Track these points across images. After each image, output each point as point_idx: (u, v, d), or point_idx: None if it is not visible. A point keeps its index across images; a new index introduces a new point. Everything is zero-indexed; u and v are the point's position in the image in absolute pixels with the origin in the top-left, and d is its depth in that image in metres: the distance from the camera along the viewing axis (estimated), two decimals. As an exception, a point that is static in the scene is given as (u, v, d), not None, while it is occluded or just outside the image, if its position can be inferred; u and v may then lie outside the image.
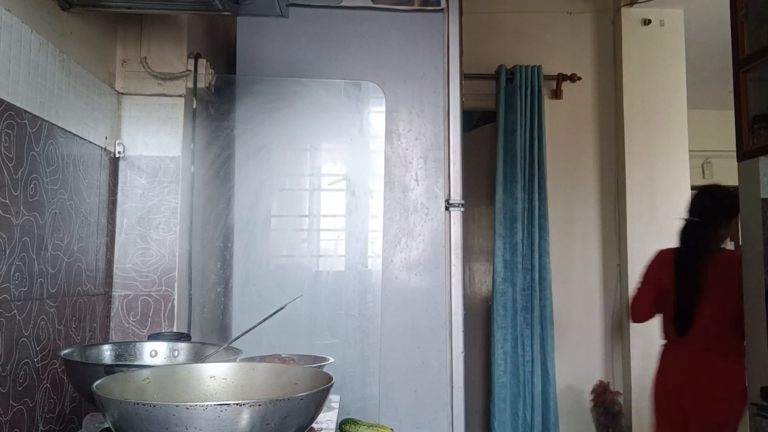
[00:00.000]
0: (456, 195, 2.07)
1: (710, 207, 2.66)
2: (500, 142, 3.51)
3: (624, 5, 3.71)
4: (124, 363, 1.29)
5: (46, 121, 1.32)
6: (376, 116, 2.05)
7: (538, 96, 3.55)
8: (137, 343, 1.36)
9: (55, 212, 1.37)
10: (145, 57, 1.77)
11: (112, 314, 1.70)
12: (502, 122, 3.52)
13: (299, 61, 2.06)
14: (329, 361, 1.58)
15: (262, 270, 1.95)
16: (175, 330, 1.72)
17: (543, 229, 3.46)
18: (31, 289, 1.26)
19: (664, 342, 2.71)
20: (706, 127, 5.40)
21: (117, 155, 1.73)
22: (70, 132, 1.43)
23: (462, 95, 2.11)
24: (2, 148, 1.15)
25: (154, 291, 1.73)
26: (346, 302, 1.97)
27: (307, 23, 2.08)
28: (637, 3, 3.67)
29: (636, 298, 2.76)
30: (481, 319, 3.61)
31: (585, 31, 3.84)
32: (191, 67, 1.82)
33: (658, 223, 3.61)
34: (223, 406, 0.74)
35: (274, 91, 2.01)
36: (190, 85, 1.82)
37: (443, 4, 2.12)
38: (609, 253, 3.72)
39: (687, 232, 2.71)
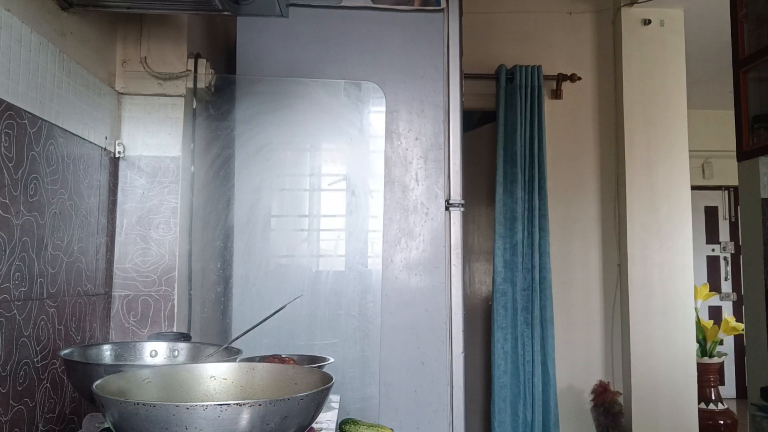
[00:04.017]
0: (456, 195, 2.07)
1: None
2: (500, 142, 3.51)
3: (624, 5, 3.71)
4: (124, 363, 1.29)
5: (46, 121, 1.32)
6: (376, 116, 2.05)
7: (538, 96, 3.55)
8: (137, 343, 1.36)
9: (55, 212, 1.37)
10: (145, 57, 1.77)
11: (112, 314, 1.70)
12: (502, 122, 3.53)
13: (299, 61, 2.06)
14: (329, 361, 1.58)
15: (262, 270, 1.95)
16: (175, 330, 1.72)
17: (543, 229, 3.47)
18: (31, 289, 1.26)
19: None
20: (706, 127, 5.40)
21: (117, 155, 1.73)
22: (70, 132, 1.43)
23: (462, 95, 2.11)
24: (2, 148, 1.15)
25: (154, 291, 1.73)
26: (346, 302, 1.96)
27: (307, 23, 2.08)
28: (637, 3, 3.67)
29: None
30: (481, 319, 3.61)
31: (585, 31, 3.84)
32: (191, 67, 1.82)
33: (658, 223, 3.61)
34: (223, 406, 0.74)
35: (274, 91, 2.01)
36: (190, 85, 1.82)
37: (443, 4, 2.11)
38: (609, 253, 3.72)
39: None
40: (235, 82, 2.02)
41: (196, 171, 1.86)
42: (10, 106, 1.18)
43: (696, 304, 3.98)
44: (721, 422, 4.27)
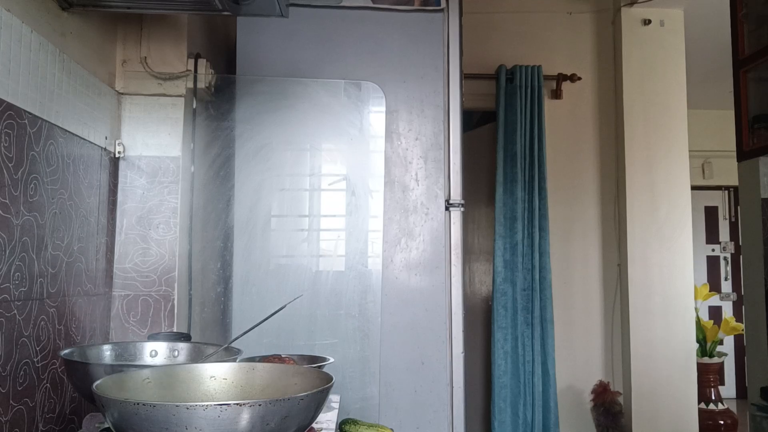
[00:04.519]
0: (456, 195, 2.07)
1: None
2: (500, 142, 3.51)
3: (624, 5, 3.71)
4: (124, 363, 1.29)
5: (46, 121, 1.32)
6: (376, 116, 2.05)
7: (538, 96, 3.55)
8: (137, 343, 1.36)
9: (55, 212, 1.37)
10: (145, 57, 1.77)
11: (112, 314, 1.70)
12: (502, 122, 3.53)
13: (299, 61, 2.06)
14: (329, 361, 1.58)
15: (262, 270, 1.95)
16: (175, 330, 1.72)
17: (543, 229, 3.47)
18: (31, 289, 1.26)
19: None
20: (706, 127, 5.40)
21: (117, 155, 1.73)
22: (70, 132, 1.43)
23: (462, 95, 2.11)
24: (2, 148, 1.15)
25: (154, 291, 1.73)
26: (346, 302, 1.96)
27: (307, 23, 2.08)
28: (637, 3, 3.67)
29: None
30: (481, 319, 3.61)
31: (585, 31, 3.84)
32: (191, 67, 1.82)
33: (658, 223, 3.61)
34: (223, 406, 0.74)
35: (274, 91, 2.01)
36: (190, 85, 1.82)
37: (443, 4, 2.11)
38: (609, 253, 3.72)
39: None
40: (235, 82, 2.02)
41: (196, 171, 1.86)
42: (10, 106, 1.18)
43: (696, 304, 3.98)
44: (721, 422, 4.27)
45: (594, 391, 3.56)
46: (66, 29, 1.44)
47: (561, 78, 3.70)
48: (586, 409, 3.57)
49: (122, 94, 1.76)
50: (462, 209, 2.07)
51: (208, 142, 1.95)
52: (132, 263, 1.73)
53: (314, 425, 1.31)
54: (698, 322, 4.25)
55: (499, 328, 3.39)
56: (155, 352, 1.34)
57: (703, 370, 4.07)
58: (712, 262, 6.05)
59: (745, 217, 2.29)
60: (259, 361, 1.47)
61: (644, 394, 3.52)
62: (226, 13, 1.48)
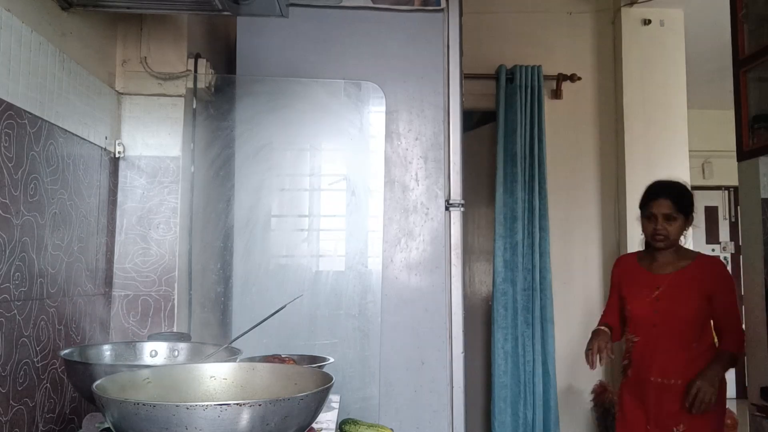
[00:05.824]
0: (456, 195, 2.07)
1: None
2: (500, 142, 3.51)
3: (624, 5, 3.71)
4: (124, 363, 1.29)
5: (46, 121, 1.32)
6: (376, 116, 2.05)
7: (538, 96, 3.55)
8: (137, 343, 1.36)
9: (55, 212, 1.36)
10: (145, 57, 1.77)
11: (112, 314, 1.70)
12: (502, 122, 3.52)
13: (299, 61, 2.06)
14: (329, 361, 1.58)
15: (262, 270, 1.95)
16: (175, 330, 1.72)
17: (543, 229, 3.46)
18: (31, 289, 1.26)
19: None
20: (706, 127, 5.39)
21: (117, 155, 1.73)
22: (70, 132, 1.43)
23: (462, 95, 2.11)
24: (2, 148, 1.15)
25: (154, 291, 1.73)
26: (346, 302, 1.96)
27: (307, 23, 2.08)
28: (637, 3, 3.67)
29: None
30: (481, 319, 3.61)
31: (585, 31, 3.84)
32: (191, 67, 1.82)
33: (658, 223, 3.60)
34: (223, 406, 0.74)
35: (274, 91, 2.01)
36: (190, 85, 1.82)
37: (443, 4, 2.11)
38: (609, 253, 3.71)
39: None
40: (235, 82, 2.02)
41: (196, 171, 1.86)
42: (10, 106, 1.18)
43: (696, 304, 3.96)
44: (721, 422, 4.25)
45: (594, 391, 3.56)
46: (66, 29, 1.44)
47: (561, 78, 3.70)
48: (586, 409, 3.57)
49: (122, 94, 1.76)
50: (462, 209, 2.07)
51: (208, 142, 1.95)
52: (132, 263, 1.73)
53: (314, 425, 1.31)
54: (698, 322, 4.24)
55: (499, 328, 3.39)
56: (155, 352, 1.34)
57: (703, 370, 4.06)
58: (712, 262, 6.04)
59: (745, 217, 2.28)
60: (259, 361, 1.47)
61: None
62: (226, 13, 1.48)
